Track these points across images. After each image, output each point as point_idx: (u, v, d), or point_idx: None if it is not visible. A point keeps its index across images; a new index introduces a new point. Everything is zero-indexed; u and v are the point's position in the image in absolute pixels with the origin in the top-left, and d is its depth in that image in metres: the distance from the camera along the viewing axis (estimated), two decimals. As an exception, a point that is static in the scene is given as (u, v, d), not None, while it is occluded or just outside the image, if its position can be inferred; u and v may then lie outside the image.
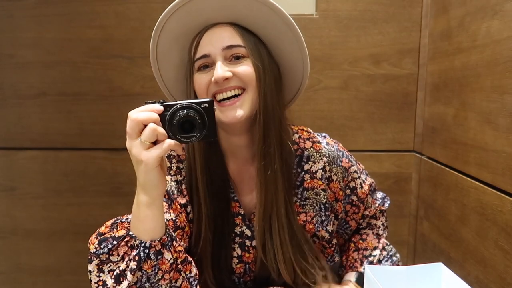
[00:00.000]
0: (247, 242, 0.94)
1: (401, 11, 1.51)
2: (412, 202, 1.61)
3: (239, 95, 0.83)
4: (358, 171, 1.00)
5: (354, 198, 1.00)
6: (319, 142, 0.95)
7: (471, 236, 1.13)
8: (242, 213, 0.94)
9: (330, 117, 1.57)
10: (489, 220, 1.04)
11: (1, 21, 1.58)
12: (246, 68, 0.82)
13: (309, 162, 0.93)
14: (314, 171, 0.93)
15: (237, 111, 0.82)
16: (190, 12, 0.82)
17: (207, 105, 0.69)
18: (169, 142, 0.66)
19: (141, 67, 1.57)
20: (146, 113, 0.66)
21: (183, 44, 0.88)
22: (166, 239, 0.73)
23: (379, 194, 1.12)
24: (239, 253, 0.94)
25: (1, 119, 1.64)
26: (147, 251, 0.70)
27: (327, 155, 0.93)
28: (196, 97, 0.85)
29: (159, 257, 0.71)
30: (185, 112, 0.67)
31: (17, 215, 1.70)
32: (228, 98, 0.83)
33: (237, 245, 0.94)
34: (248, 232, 0.94)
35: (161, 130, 0.66)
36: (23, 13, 1.57)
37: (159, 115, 0.67)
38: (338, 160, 0.95)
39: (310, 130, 0.99)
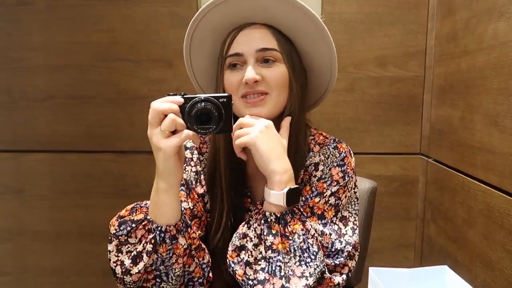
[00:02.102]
0: None
1: (407, 13, 1.50)
2: (418, 205, 1.59)
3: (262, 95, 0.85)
4: (339, 193, 0.87)
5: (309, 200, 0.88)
6: (328, 145, 0.94)
7: (478, 239, 1.12)
8: (252, 208, 0.94)
9: (336, 119, 1.57)
10: (496, 223, 1.03)
11: (9, 25, 1.60)
12: (275, 73, 0.84)
13: (308, 160, 0.92)
14: (307, 165, 0.91)
15: (261, 109, 0.84)
16: (232, 8, 0.84)
17: (225, 100, 0.73)
18: (187, 132, 0.71)
19: (147, 70, 1.59)
20: (167, 104, 0.71)
21: (218, 36, 0.89)
22: (181, 225, 0.77)
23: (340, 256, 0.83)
24: None
25: (10, 122, 1.66)
26: (162, 235, 0.75)
27: (326, 155, 0.91)
28: (223, 92, 0.88)
29: (173, 241, 0.76)
30: (203, 104, 0.71)
31: (25, 216, 1.72)
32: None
33: None
34: None
35: (180, 120, 0.71)
36: (31, 17, 1.59)
37: (179, 106, 0.71)
38: (332, 164, 0.90)
39: (328, 136, 0.95)
